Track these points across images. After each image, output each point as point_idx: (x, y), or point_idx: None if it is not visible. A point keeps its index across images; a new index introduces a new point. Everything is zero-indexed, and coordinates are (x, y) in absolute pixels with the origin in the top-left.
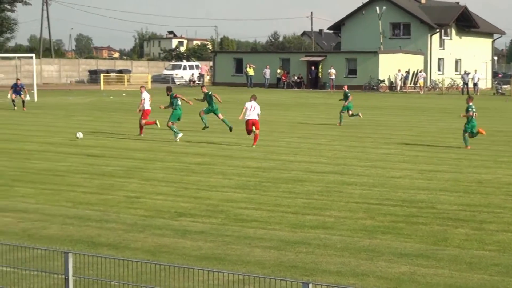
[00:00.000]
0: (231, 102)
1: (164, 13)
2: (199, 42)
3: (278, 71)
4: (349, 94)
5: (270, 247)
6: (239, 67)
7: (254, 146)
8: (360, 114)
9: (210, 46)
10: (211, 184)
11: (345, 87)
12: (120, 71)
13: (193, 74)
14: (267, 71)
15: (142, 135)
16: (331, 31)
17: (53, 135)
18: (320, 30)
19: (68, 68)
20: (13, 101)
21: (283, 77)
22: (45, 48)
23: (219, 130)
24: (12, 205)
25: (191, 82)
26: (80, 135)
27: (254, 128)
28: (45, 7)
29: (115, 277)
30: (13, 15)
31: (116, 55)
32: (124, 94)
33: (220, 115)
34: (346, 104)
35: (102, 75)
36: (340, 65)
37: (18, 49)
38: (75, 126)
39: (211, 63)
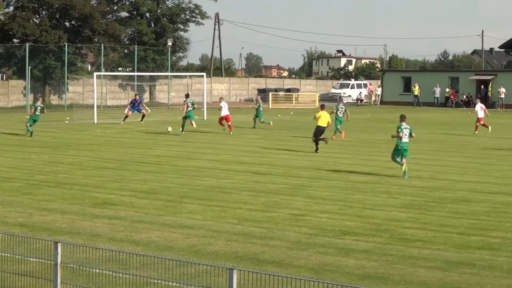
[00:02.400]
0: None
1: (333, 32)
2: (367, 61)
3: (447, 90)
4: None
5: (434, 267)
6: (407, 86)
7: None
8: None
9: (378, 65)
10: (376, 203)
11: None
12: (289, 90)
13: (360, 93)
14: (437, 90)
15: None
16: (502, 50)
17: (221, 152)
18: (491, 49)
19: (238, 86)
20: (126, 117)
21: (451, 96)
22: (216, 67)
23: (383, 149)
24: (180, 221)
25: (358, 101)
26: (170, 129)
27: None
28: (217, 27)
29: None
30: (185, 35)
31: (285, 74)
32: (292, 113)
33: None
34: None
35: (270, 93)
36: (511, 84)
37: (189, 68)
38: (243, 144)
39: (379, 82)
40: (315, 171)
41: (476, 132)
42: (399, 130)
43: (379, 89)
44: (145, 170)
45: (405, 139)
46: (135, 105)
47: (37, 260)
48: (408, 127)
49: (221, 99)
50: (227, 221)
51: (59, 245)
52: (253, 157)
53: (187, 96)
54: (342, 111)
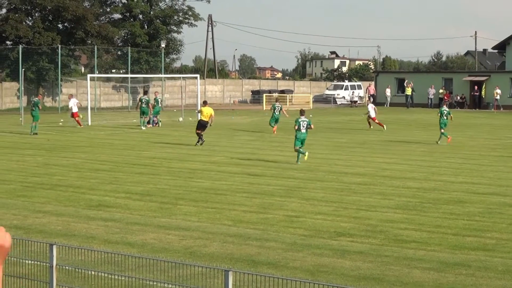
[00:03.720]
0: (393, 122)
1: (327, 33)
2: (361, 62)
3: (441, 91)
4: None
5: (429, 268)
6: (401, 87)
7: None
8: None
9: (372, 66)
10: (371, 204)
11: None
12: (283, 91)
13: (353, 93)
14: (431, 91)
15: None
16: (495, 51)
17: (215, 154)
18: (484, 50)
19: (232, 88)
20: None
21: (445, 97)
22: (210, 69)
23: (378, 150)
24: (175, 223)
25: (352, 103)
26: (181, 119)
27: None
28: (210, 29)
29: None
30: (179, 37)
31: (279, 75)
32: (287, 115)
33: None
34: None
35: (264, 95)
36: (505, 85)
37: (183, 69)
38: (238, 146)
39: (372, 83)
40: (309, 172)
41: (371, 127)
42: (296, 123)
43: (389, 90)
44: (139, 172)
45: (303, 130)
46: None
47: (32, 262)
48: (306, 120)
49: (70, 96)
50: (222, 222)
51: (54, 247)
52: (247, 159)
53: (145, 93)
54: (278, 109)
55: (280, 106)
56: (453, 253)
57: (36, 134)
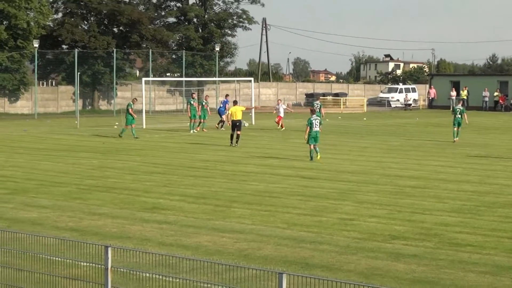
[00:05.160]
0: (448, 125)
1: (381, 36)
2: (415, 65)
3: (496, 94)
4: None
5: (485, 272)
6: (456, 90)
7: None
8: None
9: (426, 69)
10: (425, 207)
11: None
12: (336, 94)
13: (407, 96)
14: (487, 94)
15: None
16: None
17: (269, 157)
18: None
19: (285, 91)
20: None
21: (500, 100)
22: (264, 72)
23: (432, 153)
24: (229, 225)
25: (406, 106)
26: (246, 124)
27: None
28: (264, 32)
29: None
30: (233, 40)
31: (333, 78)
32: (340, 117)
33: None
34: None
35: (318, 98)
36: None
37: (237, 73)
38: (291, 149)
39: (427, 86)
40: (363, 175)
41: (280, 128)
42: (308, 122)
43: (454, 93)
44: (193, 174)
45: (317, 128)
46: (222, 107)
47: (87, 264)
48: (318, 118)
49: None
50: (276, 225)
51: (109, 249)
52: (301, 162)
53: (191, 95)
54: (317, 106)
55: (320, 104)
56: (509, 257)
57: (137, 137)
